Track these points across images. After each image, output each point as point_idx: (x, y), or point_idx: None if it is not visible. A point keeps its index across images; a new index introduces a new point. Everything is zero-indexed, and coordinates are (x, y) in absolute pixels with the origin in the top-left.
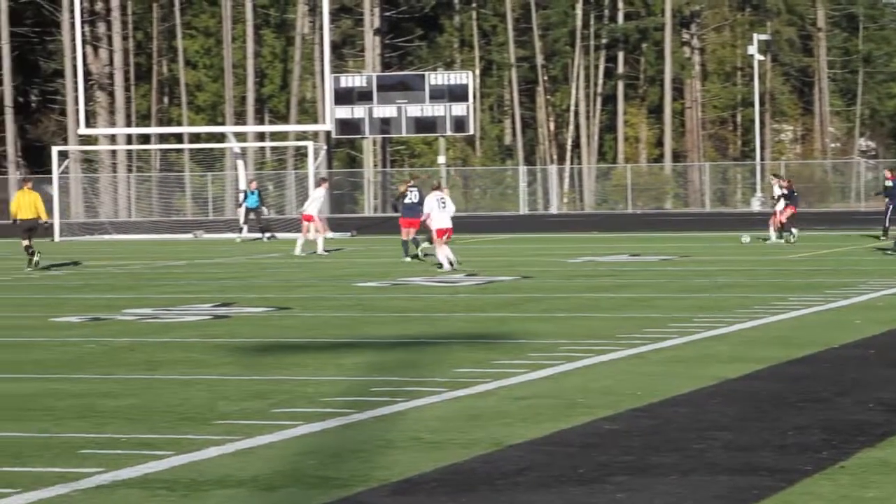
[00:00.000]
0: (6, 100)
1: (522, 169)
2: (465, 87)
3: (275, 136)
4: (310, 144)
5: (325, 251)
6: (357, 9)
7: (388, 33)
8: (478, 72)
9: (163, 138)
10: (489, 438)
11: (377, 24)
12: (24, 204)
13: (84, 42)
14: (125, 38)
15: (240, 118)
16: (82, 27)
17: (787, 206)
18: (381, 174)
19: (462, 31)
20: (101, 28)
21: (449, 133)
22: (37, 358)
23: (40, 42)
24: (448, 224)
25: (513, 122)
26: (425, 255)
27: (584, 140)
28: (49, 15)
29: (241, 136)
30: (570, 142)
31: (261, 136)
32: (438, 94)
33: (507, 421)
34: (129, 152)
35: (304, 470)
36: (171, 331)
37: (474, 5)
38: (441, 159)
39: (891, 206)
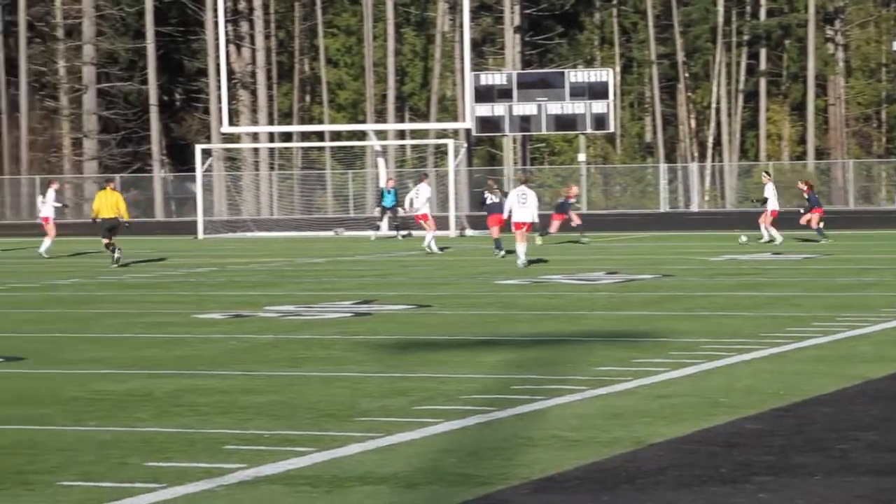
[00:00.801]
0: (151, 98)
1: (663, 166)
2: (606, 84)
3: (415, 133)
4: (450, 142)
5: (439, 249)
6: (497, 6)
7: (529, 31)
8: (618, 69)
9: (304, 136)
10: (630, 437)
11: (517, 21)
12: (106, 204)
13: (227, 41)
14: (267, 37)
15: (380, 116)
16: (226, 26)
17: (811, 209)
18: (521, 172)
19: (602, 29)
20: (244, 27)
21: (589, 130)
22: (180, 354)
23: (185, 41)
24: (527, 218)
25: (653, 120)
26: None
27: (725, 137)
28: (193, 14)
29: (381, 134)
30: (711, 139)
31: (401, 134)
32: (579, 92)
33: (648, 419)
34: (271, 150)
35: (444, 467)
36: (312, 328)
37: (615, 2)
38: (581, 157)
39: None
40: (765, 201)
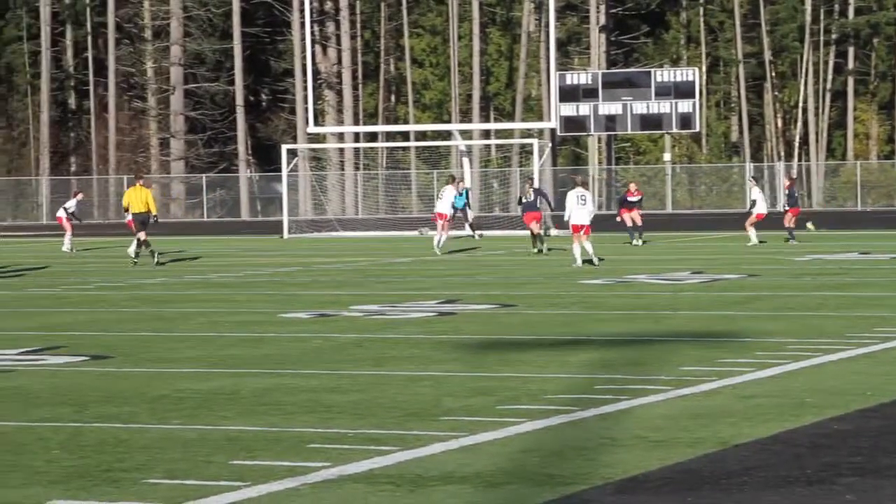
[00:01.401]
0: (237, 99)
1: (749, 166)
2: (692, 83)
3: (500, 133)
4: (535, 142)
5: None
6: (583, 6)
7: (614, 30)
8: (704, 68)
9: (389, 136)
10: (715, 437)
11: (603, 21)
12: (136, 199)
13: (313, 41)
14: (353, 38)
15: (465, 116)
16: (311, 27)
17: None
18: (605, 171)
19: (689, 28)
20: (330, 27)
21: (675, 130)
22: (266, 353)
23: (271, 42)
24: (585, 221)
25: (739, 119)
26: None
27: (812, 137)
28: (280, 15)
29: (466, 134)
30: (797, 138)
31: (486, 134)
32: (664, 91)
33: (733, 420)
34: (357, 150)
35: (527, 467)
36: (396, 327)
37: (701, 1)
38: (667, 156)
39: None
40: (753, 204)
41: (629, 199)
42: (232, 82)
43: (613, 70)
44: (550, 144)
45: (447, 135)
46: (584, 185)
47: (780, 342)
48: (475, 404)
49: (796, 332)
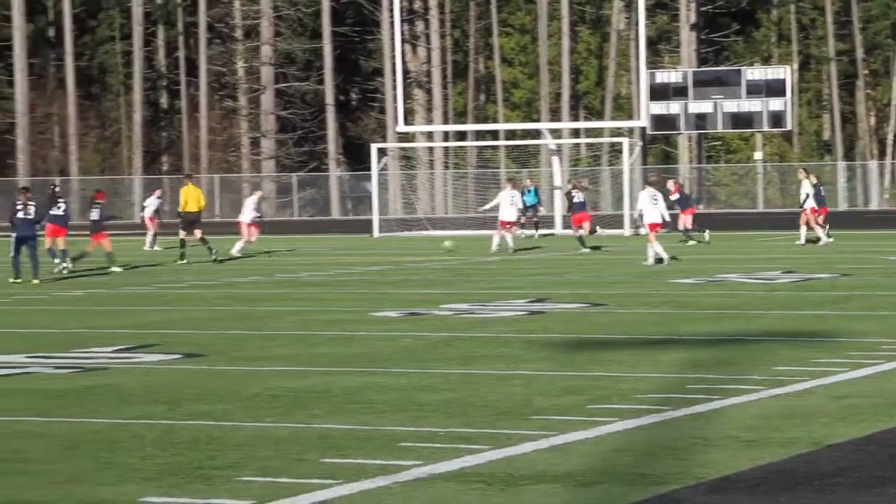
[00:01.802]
0: (327, 98)
1: (841, 164)
2: (783, 81)
3: (589, 132)
4: (625, 140)
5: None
6: (673, 4)
7: (705, 28)
8: (796, 66)
9: (479, 135)
10: (808, 437)
11: (693, 19)
12: (192, 198)
13: (403, 41)
14: (443, 37)
15: (555, 115)
16: (401, 26)
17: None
18: (696, 170)
19: (780, 26)
20: (420, 26)
21: (766, 128)
22: (357, 352)
23: (361, 41)
24: (658, 219)
25: (831, 117)
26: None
27: None
28: (369, 14)
29: (555, 133)
30: (891, 136)
31: (576, 133)
32: (755, 90)
33: (826, 420)
34: (446, 149)
35: (618, 466)
36: (486, 326)
37: None
38: (758, 155)
39: None
40: (806, 198)
41: (671, 198)
42: (322, 81)
43: (704, 69)
44: (640, 143)
45: (536, 133)
46: (654, 184)
47: (873, 342)
48: (566, 403)
49: (890, 332)
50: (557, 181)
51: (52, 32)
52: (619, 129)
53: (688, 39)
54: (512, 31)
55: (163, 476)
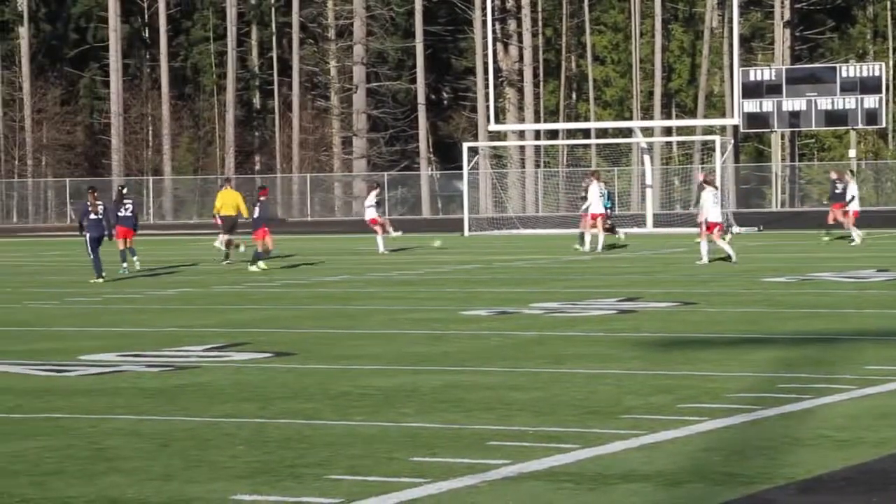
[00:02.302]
0: (419, 97)
1: None
2: (878, 78)
3: (681, 130)
4: (717, 139)
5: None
6: (767, 1)
7: (799, 25)
8: (891, 63)
9: (570, 134)
10: None
11: (787, 16)
12: (228, 202)
13: (495, 39)
14: (535, 35)
15: (647, 113)
16: (493, 25)
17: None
18: (789, 168)
19: (875, 22)
20: (512, 25)
21: (860, 126)
22: (446, 350)
23: (452, 40)
24: (720, 219)
25: None
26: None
27: None
28: (461, 13)
29: (647, 131)
30: None
31: (667, 131)
32: (849, 87)
33: None
34: (537, 148)
35: (708, 466)
36: (576, 325)
37: None
38: (852, 153)
39: None
40: (851, 200)
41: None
42: (414, 80)
43: (798, 66)
44: (732, 141)
45: (628, 132)
46: (713, 183)
47: None
48: (656, 402)
49: None
50: (649, 180)
51: (146, 33)
52: (711, 127)
53: (781, 37)
54: (604, 29)
55: (254, 474)
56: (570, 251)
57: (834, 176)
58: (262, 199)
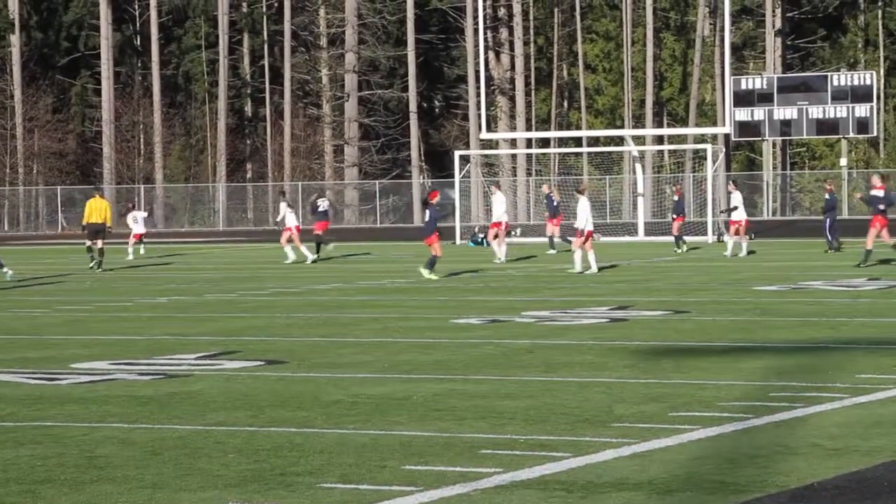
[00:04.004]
0: (411, 105)
1: None
2: (869, 87)
3: (672, 138)
4: (708, 147)
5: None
6: (759, 10)
7: (790, 34)
8: (882, 72)
9: (561, 142)
10: (892, 446)
11: (779, 25)
12: (96, 210)
13: (486, 48)
14: (526, 44)
15: (638, 121)
16: (485, 33)
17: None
18: (780, 177)
19: (866, 31)
20: (504, 34)
21: (851, 135)
22: (438, 359)
23: (444, 48)
24: (591, 227)
25: None
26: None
27: None
28: (453, 22)
29: (639, 140)
30: None
31: (659, 139)
32: (841, 96)
33: None
34: (529, 156)
35: (700, 474)
36: (568, 333)
37: (880, 4)
38: (843, 161)
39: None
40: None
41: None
42: (405, 89)
43: (789, 74)
44: (724, 150)
45: (620, 140)
46: (585, 193)
47: None
48: (648, 411)
49: None
50: (640, 188)
51: (138, 41)
52: (702, 135)
53: (773, 45)
54: (596, 37)
55: (245, 482)
56: (565, 260)
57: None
58: (432, 202)
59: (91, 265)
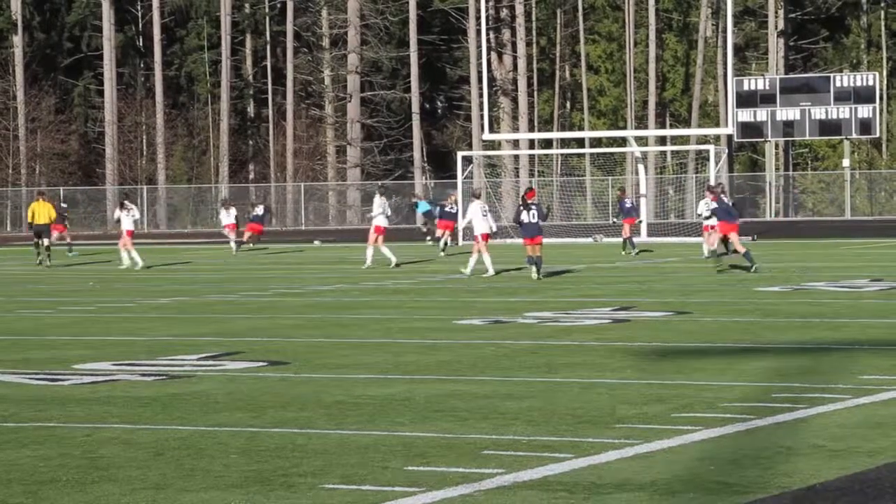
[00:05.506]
0: (413, 106)
1: None
2: (872, 88)
3: (675, 139)
4: (711, 148)
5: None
6: (761, 11)
7: (793, 35)
8: (885, 73)
9: (564, 143)
10: (894, 447)
11: (781, 26)
12: (40, 212)
13: (489, 49)
14: (529, 45)
15: (641, 122)
16: (487, 34)
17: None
18: (782, 177)
19: (869, 32)
20: (506, 35)
21: (854, 135)
22: (441, 360)
23: (447, 49)
24: (488, 230)
25: None
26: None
27: None
28: (456, 23)
29: (641, 141)
30: None
31: (661, 140)
32: (843, 96)
33: None
34: (531, 157)
35: (703, 475)
36: (570, 334)
37: (883, 5)
38: (845, 162)
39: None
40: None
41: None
42: (408, 90)
43: (792, 75)
44: (727, 150)
45: (622, 141)
46: (479, 196)
47: None
48: (650, 412)
49: None
50: (643, 189)
51: (140, 42)
52: (705, 136)
53: (776, 46)
54: (598, 38)
55: (247, 483)
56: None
57: (619, 193)
58: (529, 201)
59: (38, 260)
